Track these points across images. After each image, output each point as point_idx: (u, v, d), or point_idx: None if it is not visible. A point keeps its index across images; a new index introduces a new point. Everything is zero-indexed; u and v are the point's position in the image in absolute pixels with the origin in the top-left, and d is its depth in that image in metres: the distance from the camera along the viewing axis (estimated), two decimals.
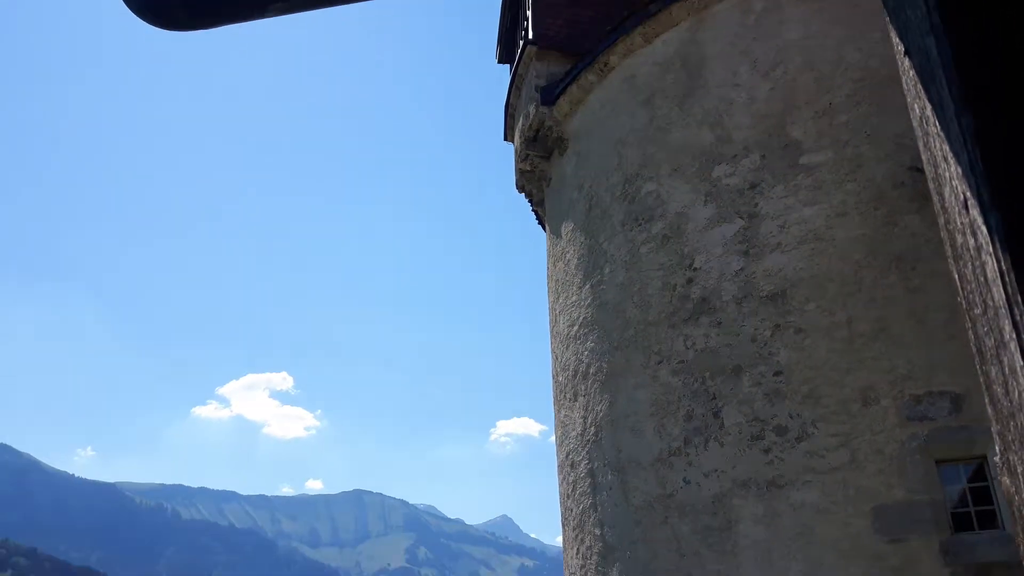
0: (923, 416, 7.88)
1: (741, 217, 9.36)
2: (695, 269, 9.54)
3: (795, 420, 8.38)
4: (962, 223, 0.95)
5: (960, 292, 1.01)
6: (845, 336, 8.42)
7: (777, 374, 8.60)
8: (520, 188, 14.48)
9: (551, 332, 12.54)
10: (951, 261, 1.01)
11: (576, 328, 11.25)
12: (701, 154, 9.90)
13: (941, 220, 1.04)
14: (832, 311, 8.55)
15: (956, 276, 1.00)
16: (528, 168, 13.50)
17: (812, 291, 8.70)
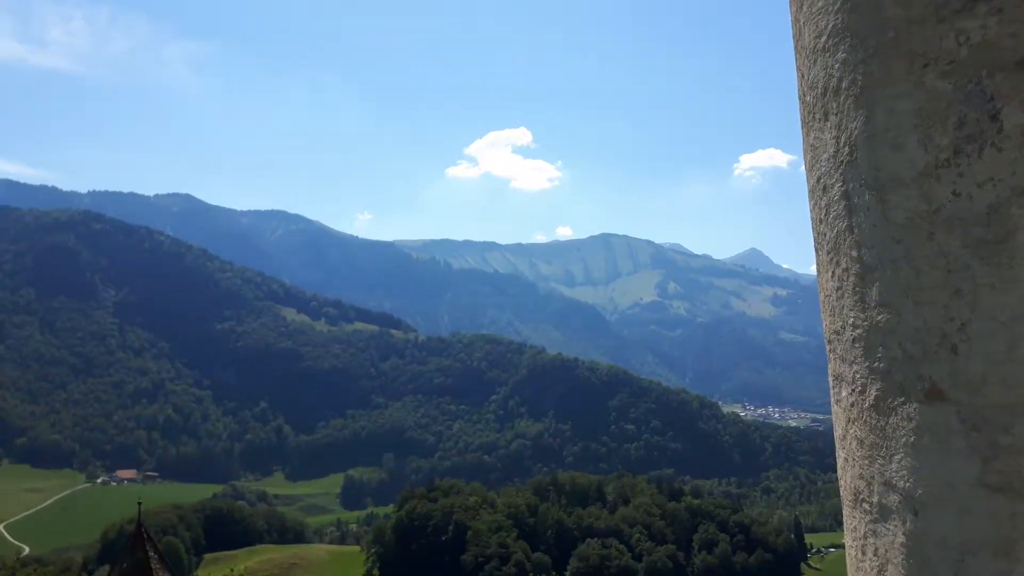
0: None
1: None
2: None
3: None
4: None
5: None
6: None
7: None
8: None
9: (795, 48, 11.48)
10: None
11: (824, 39, 10.20)
12: None
13: None
14: None
15: None
16: None
17: None
